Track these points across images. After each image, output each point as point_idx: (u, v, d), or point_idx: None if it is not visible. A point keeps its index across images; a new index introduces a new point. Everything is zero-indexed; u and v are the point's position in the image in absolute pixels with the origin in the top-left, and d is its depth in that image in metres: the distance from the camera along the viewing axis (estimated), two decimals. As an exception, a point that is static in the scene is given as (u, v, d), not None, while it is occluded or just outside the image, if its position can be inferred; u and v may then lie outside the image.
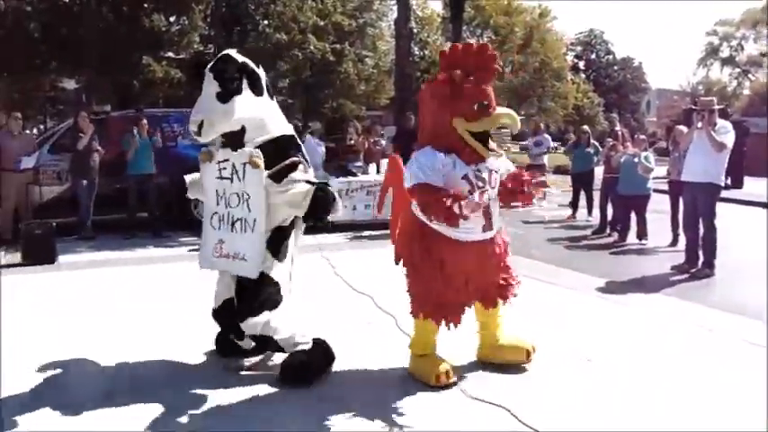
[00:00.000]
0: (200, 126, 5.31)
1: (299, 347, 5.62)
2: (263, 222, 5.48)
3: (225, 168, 5.60)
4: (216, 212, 5.74)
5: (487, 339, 6.04)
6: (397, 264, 5.92)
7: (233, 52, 5.63)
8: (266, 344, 5.78)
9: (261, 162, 5.38)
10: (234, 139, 5.57)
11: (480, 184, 5.36)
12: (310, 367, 5.60)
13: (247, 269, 5.51)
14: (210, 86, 5.44)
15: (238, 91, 5.46)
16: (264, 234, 5.53)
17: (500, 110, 5.50)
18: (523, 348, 6.04)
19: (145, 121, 13.71)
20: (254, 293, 5.51)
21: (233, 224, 5.61)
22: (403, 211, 5.89)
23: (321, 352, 5.77)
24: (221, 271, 5.84)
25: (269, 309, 5.52)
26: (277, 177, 5.45)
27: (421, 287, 5.58)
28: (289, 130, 5.91)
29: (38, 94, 33.79)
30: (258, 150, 5.44)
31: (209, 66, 5.55)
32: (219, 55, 5.66)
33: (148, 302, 8.14)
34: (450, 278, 5.45)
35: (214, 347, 6.23)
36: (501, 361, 6.01)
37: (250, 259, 5.50)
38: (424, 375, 5.58)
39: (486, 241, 5.53)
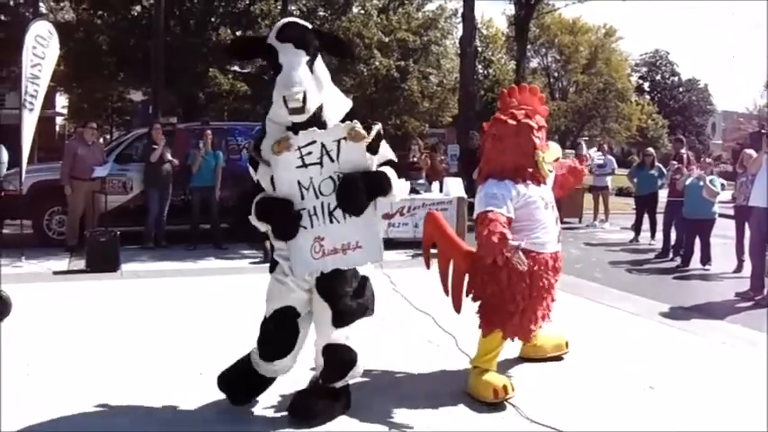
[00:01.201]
0: (305, 99, 4.67)
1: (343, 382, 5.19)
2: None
3: (310, 153, 4.84)
4: (303, 208, 4.92)
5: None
6: (458, 310, 6.13)
7: (295, 18, 5.13)
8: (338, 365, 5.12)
9: (364, 132, 4.79)
10: (313, 117, 4.85)
11: (548, 200, 5.86)
12: (328, 413, 5.12)
13: (366, 256, 5.02)
14: (296, 56, 4.75)
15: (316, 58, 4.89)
16: (375, 212, 5.03)
17: (550, 143, 6.20)
18: (561, 343, 6.81)
19: (209, 132, 13.84)
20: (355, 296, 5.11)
21: (331, 214, 4.91)
22: (463, 256, 6.09)
23: (345, 399, 5.30)
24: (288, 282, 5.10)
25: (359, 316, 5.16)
26: (372, 150, 4.91)
27: (501, 301, 5.64)
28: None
29: (105, 104, 34.40)
30: (356, 121, 4.83)
31: (275, 36, 4.83)
32: (284, 22, 4.98)
33: (206, 314, 8.21)
34: (536, 292, 5.67)
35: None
36: (542, 356, 6.66)
37: (366, 245, 4.95)
38: (481, 391, 5.57)
39: (557, 252, 5.89)
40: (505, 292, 5.58)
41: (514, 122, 5.72)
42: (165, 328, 7.58)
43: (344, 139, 4.79)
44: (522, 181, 5.68)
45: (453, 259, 6.12)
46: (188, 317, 8.08)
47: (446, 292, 6.20)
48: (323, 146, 4.82)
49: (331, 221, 4.91)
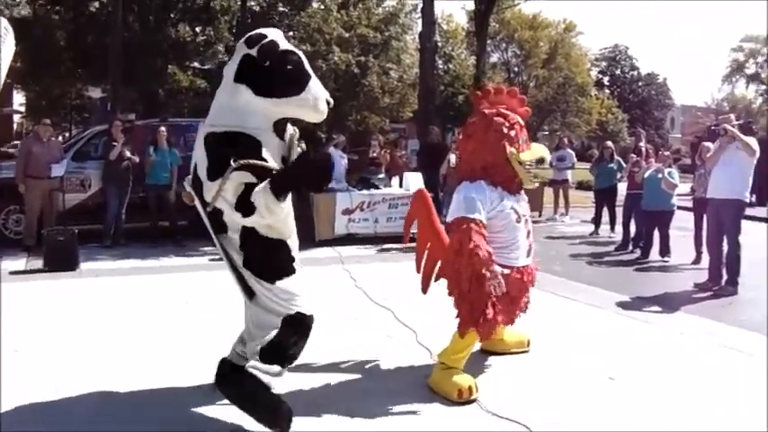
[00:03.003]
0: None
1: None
2: (223, 250, 5.11)
3: None
4: None
5: None
6: (425, 291, 6.21)
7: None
8: None
9: (190, 198, 5.09)
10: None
11: (522, 212, 5.81)
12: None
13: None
14: None
15: None
16: (229, 261, 5.05)
17: (534, 144, 6.04)
18: (524, 341, 6.81)
19: (163, 129, 13.72)
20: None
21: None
22: (441, 247, 6.06)
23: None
24: None
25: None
26: None
27: (472, 306, 5.60)
28: None
29: (64, 101, 34.10)
30: (187, 188, 5.07)
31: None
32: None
33: (167, 311, 8.14)
34: (501, 300, 5.61)
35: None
36: (504, 351, 6.64)
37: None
38: (446, 389, 5.56)
39: (527, 266, 5.88)
40: (466, 297, 5.58)
41: (482, 120, 5.72)
42: (125, 327, 7.49)
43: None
44: (496, 187, 5.64)
45: (431, 244, 6.14)
46: (149, 315, 8.00)
47: (418, 270, 6.25)
48: None
49: None
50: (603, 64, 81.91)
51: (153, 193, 13.58)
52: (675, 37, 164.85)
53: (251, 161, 4.59)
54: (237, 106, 4.79)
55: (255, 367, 4.88)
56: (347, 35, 31.56)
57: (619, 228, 14.98)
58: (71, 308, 8.36)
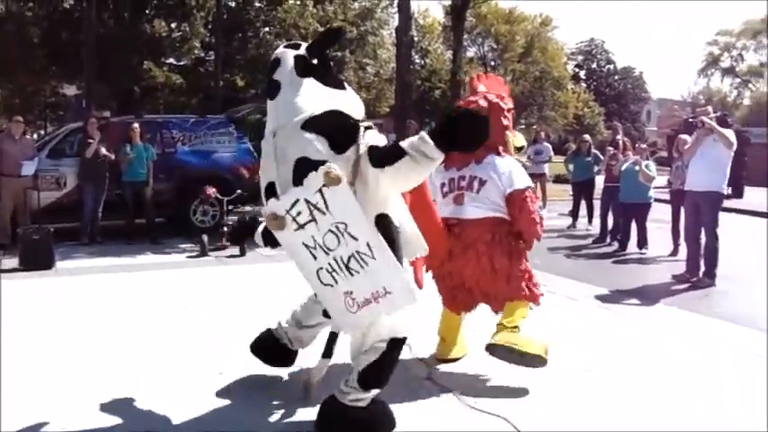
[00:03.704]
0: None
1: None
2: (377, 237, 4.36)
3: (300, 213, 4.39)
4: (320, 268, 4.50)
5: None
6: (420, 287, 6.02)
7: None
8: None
9: (338, 173, 4.22)
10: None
11: None
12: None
13: (398, 301, 4.42)
14: None
15: None
16: (386, 249, 4.37)
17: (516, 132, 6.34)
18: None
19: (136, 125, 13.60)
20: None
21: (347, 266, 4.42)
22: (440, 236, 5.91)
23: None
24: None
25: None
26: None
27: (527, 273, 6.14)
28: None
29: (38, 99, 33.85)
30: (330, 163, 4.28)
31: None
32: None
33: (144, 309, 8.07)
34: None
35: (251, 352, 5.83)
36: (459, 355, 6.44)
37: (395, 288, 4.38)
38: (532, 349, 5.67)
39: None
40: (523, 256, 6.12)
41: (486, 103, 5.84)
42: (104, 326, 7.40)
43: (324, 186, 4.27)
44: None
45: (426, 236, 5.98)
46: (127, 314, 7.93)
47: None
48: (307, 202, 4.35)
49: (351, 274, 4.42)
50: (580, 58, 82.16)
51: (130, 190, 13.43)
52: (651, 31, 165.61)
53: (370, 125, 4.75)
54: (318, 95, 4.76)
55: (350, 395, 4.85)
56: (323, 30, 31.51)
57: (596, 220, 15.03)
58: (48, 307, 8.26)
